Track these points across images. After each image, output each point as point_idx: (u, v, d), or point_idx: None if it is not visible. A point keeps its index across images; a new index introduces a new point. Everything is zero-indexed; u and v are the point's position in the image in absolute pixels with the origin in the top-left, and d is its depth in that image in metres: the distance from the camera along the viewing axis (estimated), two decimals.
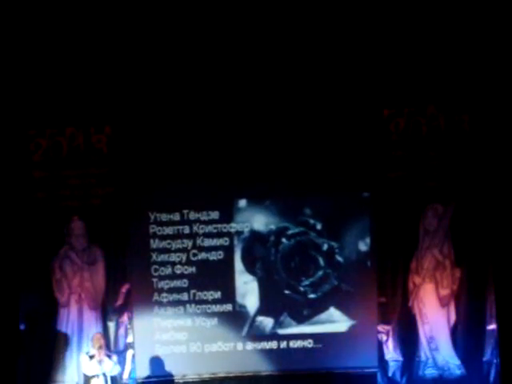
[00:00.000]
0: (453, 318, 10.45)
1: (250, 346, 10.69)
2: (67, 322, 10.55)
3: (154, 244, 10.72)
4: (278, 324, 10.71)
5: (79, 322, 10.54)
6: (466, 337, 10.41)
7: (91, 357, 9.59)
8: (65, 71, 10.38)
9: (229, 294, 10.71)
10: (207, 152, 10.62)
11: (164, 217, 10.73)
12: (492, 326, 10.33)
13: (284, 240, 10.72)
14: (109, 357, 9.64)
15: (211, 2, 10.16)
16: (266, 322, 10.73)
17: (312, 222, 10.71)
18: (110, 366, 9.62)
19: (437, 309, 10.47)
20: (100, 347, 9.54)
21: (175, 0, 10.17)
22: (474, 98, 10.44)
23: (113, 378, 9.69)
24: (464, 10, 10.18)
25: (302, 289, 10.68)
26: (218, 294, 10.70)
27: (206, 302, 10.69)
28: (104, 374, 9.56)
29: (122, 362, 10.34)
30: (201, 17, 10.21)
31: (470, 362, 10.37)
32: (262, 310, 10.73)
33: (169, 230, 10.73)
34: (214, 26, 10.23)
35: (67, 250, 10.65)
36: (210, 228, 10.74)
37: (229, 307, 10.71)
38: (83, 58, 10.39)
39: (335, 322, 10.67)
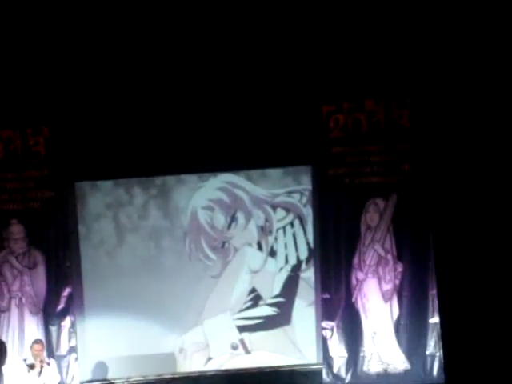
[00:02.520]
0: (396, 312, 10.46)
1: None
2: (8, 327, 10.40)
3: None
4: None
5: (20, 327, 10.39)
6: (409, 331, 10.41)
7: (30, 366, 9.44)
8: None
9: None
10: (145, 151, 10.56)
11: None
12: (434, 320, 10.38)
13: None
14: (48, 365, 9.48)
15: None
16: None
17: None
18: (50, 377, 9.46)
19: (380, 304, 10.49)
20: (41, 360, 9.38)
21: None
22: (413, 92, 10.46)
23: None
24: (400, 5, 10.20)
25: None
26: None
27: None
28: None
29: (64, 367, 10.24)
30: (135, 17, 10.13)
31: (414, 355, 10.38)
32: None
33: None
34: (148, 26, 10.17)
35: (6, 254, 10.51)
36: None
37: None
38: (18, 60, 10.22)
39: None
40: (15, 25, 10.15)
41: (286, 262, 10.75)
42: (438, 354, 10.38)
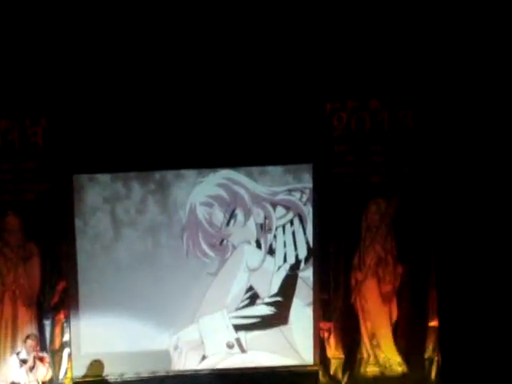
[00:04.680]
0: (395, 314, 10.39)
1: None
2: (1, 319, 10.22)
3: None
4: None
5: (13, 320, 10.22)
6: (407, 333, 10.36)
7: (23, 361, 9.28)
8: None
9: None
10: (145, 145, 10.38)
11: None
12: (433, 323, 10.32)
13: None
14: (41, 360, 9.33)
15: None
16: None
17: None
18: (43, 373, 9.33)
19: (379, 305, 10.40)
20: (34, 355, 9.24)
21: None
22: (418, 93, 10.34)
23: (45, 383, 9.42)
24: (406, 4, 10.07)
25: None
26: None
27: None
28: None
29: (57, 362, 10.12)
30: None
31: (412, 358, 10.34)
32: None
33: None
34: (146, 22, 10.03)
35: (1, 245, 10.32)
36: None
37: None
38: (16, 49, 10.06)
39: None
40: (13, 15, 9.99)
41: (285, 260, 10.63)
42: (436, 358, 10.32)
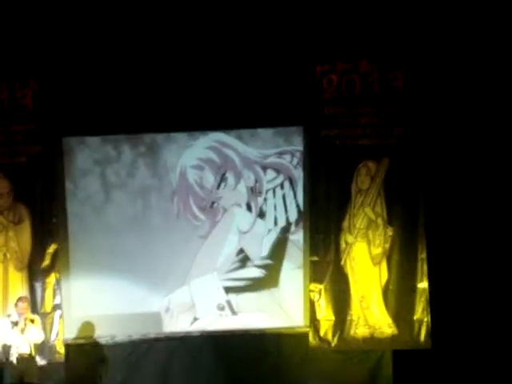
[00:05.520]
0: (384, 276, 10.41)
1: None
2: None
3: None
4: None
5: (4, 283, 10.23)
6: (397, 295, 10.38)
7: (14, 323, 9.31)
8: None
9: None
10: (135, 107, 10.34)
11: None
12: (423, 285, 10.34)
13: None
14: (32, 322, 9.35)
15: None
16: None
17: None
18: (34, 334, 9.35)
19: (369, 267, 10.42)
20: (25, 318, 9.28)
21: None
22: (408, 54, 10.31)
23: (36, 345, 9.45)
24: None
25: None
26: None
27: None
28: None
29: (49, 324, 10.14)
30: None
31: (401, 320, 10.36)
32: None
33: None
34: None
35: None
36: None
37: None
38: (6, 11, 10.01)
39: None
40: None
41: (275, 223, 10.64)
42: (425, 320, 10.35)
